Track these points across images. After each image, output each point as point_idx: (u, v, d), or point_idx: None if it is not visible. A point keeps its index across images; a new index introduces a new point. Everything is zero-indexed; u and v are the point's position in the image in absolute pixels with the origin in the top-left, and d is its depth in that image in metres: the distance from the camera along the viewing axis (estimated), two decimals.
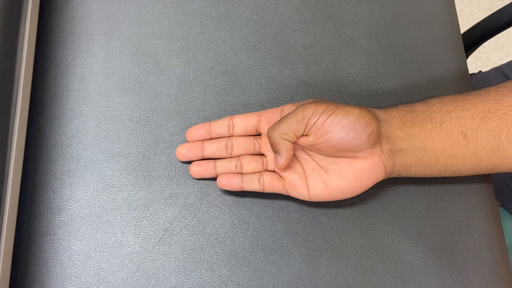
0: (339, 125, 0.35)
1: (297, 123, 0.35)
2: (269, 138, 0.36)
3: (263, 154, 0.40)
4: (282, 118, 0.36)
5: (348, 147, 0.35)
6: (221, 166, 0.39)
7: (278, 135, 0.36)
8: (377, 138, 0.36)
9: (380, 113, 0.37)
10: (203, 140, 0.40)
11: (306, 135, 0.36)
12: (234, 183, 0.38)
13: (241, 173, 0.39)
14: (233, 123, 0.40)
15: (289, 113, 0.36)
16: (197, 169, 0.40)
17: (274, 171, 0.39)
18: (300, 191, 0.37)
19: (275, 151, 0.37)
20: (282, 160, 0.36)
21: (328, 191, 0.37)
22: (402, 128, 0.36)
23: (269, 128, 0.36)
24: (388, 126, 0.37)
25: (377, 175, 0.37)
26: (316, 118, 0.35)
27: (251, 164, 0.39)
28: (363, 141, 0.35)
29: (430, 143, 0.36)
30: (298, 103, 0.39)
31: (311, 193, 0.37)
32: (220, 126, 0.40)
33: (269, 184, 0.38)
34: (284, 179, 0.38)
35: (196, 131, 0.40)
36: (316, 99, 0.38)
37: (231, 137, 0.40)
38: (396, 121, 0.37)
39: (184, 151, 0.40)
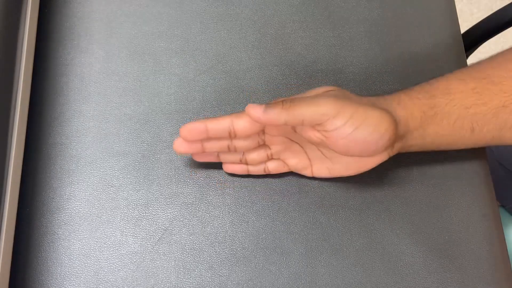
0: (351, 138, 0.34)
1: (312, 115, 0.33)
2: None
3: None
4: (303, 101, 0.34)
5: (354, 155, 0.36)
6: (225, 158, 0.39)
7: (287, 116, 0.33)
8: (391, 143, 0.36)
9: (401, 113, 0.36)
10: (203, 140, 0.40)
11: (316, 129, 0.35)
12: (239, 167, 0.39)
13: (246, 164, 0.39)
14: (234, 129, 0.36)
15: (311, 98, 0.34)
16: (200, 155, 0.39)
17: (279, 159, 0.39)
18: (303, 168, 0.39)
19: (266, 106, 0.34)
20: (264, 108, 0.33)
21: (332, 172, 0.39)
22: (418, 129, 0.37)
23: (284, 104, 0.34)
24: (405, 128, 0.36)
25: (381, 162, 0.38)
26: (333, 127, 0.33)
27: (255, 159, 0.39)
28: (371, 151, 0.35)
29: (439, 138, 0.37)
30: (310, 91, 0.37)
31: (314, 170, 0.39)
32: (220, 131, 0.37)
33: (274, 169, 0.40)
34: (290, 167, 0.40)
35: (196, 134, 0.37)
36: (336, 92, 0.36)
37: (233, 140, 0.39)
38: (415, 122, 0.36)
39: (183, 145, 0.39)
